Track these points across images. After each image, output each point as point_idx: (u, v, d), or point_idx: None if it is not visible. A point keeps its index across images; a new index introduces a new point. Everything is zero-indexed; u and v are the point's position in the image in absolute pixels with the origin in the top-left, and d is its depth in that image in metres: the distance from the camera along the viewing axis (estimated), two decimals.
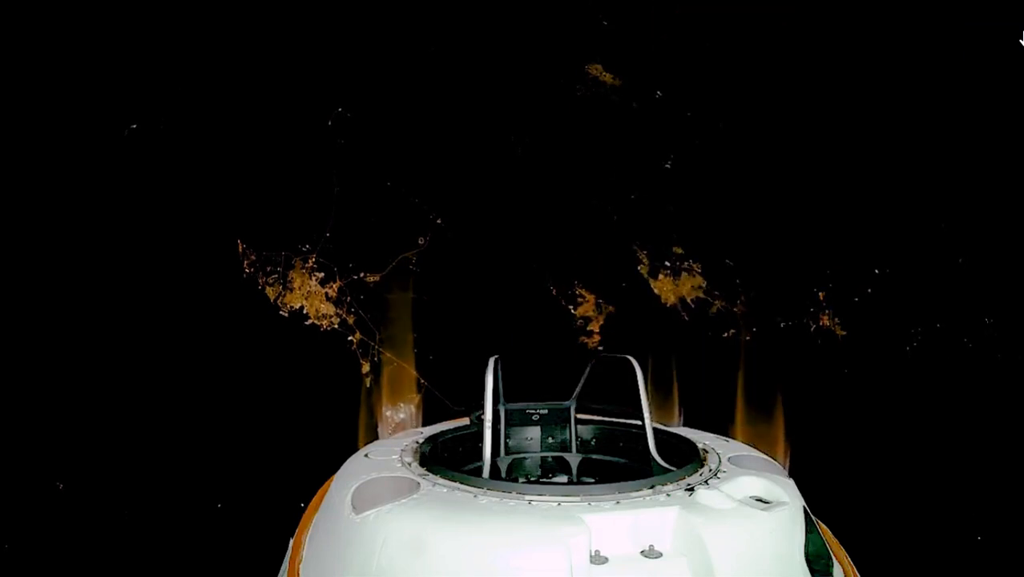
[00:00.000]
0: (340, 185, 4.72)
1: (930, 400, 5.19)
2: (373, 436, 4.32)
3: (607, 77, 5.16)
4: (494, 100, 4.94)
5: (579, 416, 3.30)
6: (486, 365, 2.75)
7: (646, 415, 2.86)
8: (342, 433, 4.32)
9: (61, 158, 4.42)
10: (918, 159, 5.35)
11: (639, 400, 2.88)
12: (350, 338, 4.76)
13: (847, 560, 2.51)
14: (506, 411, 3.13)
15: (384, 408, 4.66)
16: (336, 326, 4.73)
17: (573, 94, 5.16)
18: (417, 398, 4.75)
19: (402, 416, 4.68)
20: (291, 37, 4.74)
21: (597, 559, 1.94)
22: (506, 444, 3.16)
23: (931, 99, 5.34)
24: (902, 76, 5.35)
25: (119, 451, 4.45)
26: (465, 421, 3.14)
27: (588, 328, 5.09)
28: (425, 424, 4.44)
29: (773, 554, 2.12)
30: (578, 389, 3.29)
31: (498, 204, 4.99)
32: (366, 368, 4.77)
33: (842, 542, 2.62)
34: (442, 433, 3.01)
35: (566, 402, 3.28)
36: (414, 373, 4.75)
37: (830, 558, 2.32)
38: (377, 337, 4.76)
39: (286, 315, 4.67)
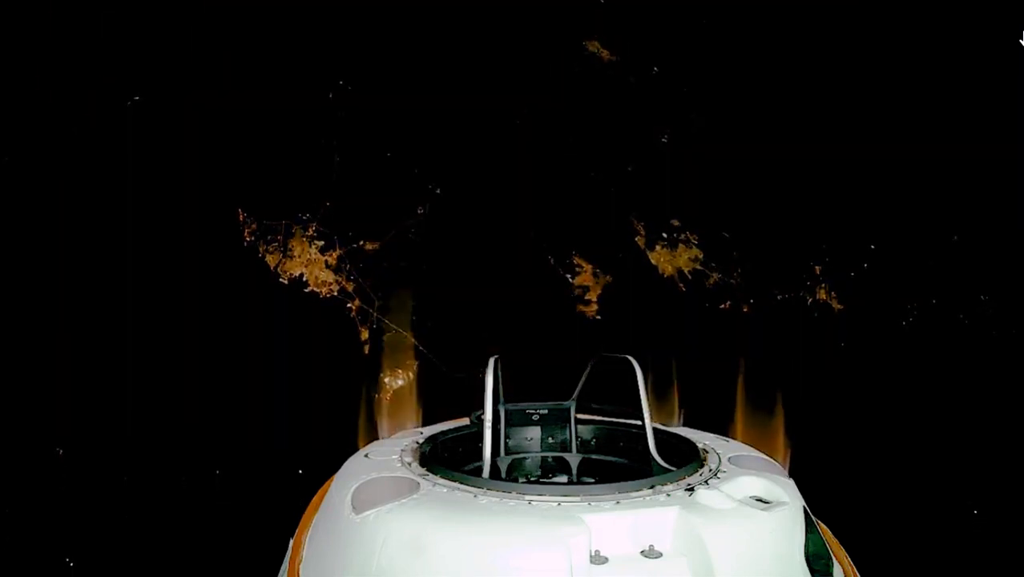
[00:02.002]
0: (340, 155, 4.77)
1: (926, 376, 5.25)
2: (373, 408, 4.35)
3: (604, 53, 5.21)
4: (493, 73, 5.01)
5: (579, 416, 3.30)
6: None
7: (646, 415, 2.86)
8: (343, 411, 4.34)
9: (62, 128, 4.45)
10: (913, 135, 5.40)
11: (639, 400, 2.88)
12: (349, 305, 4.80)
13: (847, 560, 2.51)
14: (506, 411, 3.13)
15: (383, 375, 4.71)
16: (335, 293, 4.77)
17: (570, 68, 5.21)
18: (415, 365, 4.79)
19: (400, 382, 4.73)
20: (292, 7, 4.78)
21: (597, 559, 1.94)
22: (506, 444, 3.16)
23: (927, 76, 5.40)
24: (899, 52, 5.40)
25: (119, 446, 4.46)
26: (465, 421, 3.14)
27: (586, 297, 5.14)
28: (422, 391, 4.48)
29: (773, 554, 2.12)
30: (578, 389, 3.29)
31: (496, 175, 5.06)
32: (365, 335, 4.81)
33: (842, 542, 2.62)
34: (442, 433, 3.01)
35: (566, 402, 3.28)
36: (412, 340, 4.79)
37: (830, 558, 2.32)
38: (376, 304, 4.80)
39: (285, 282, 4.72)
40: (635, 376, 2.91)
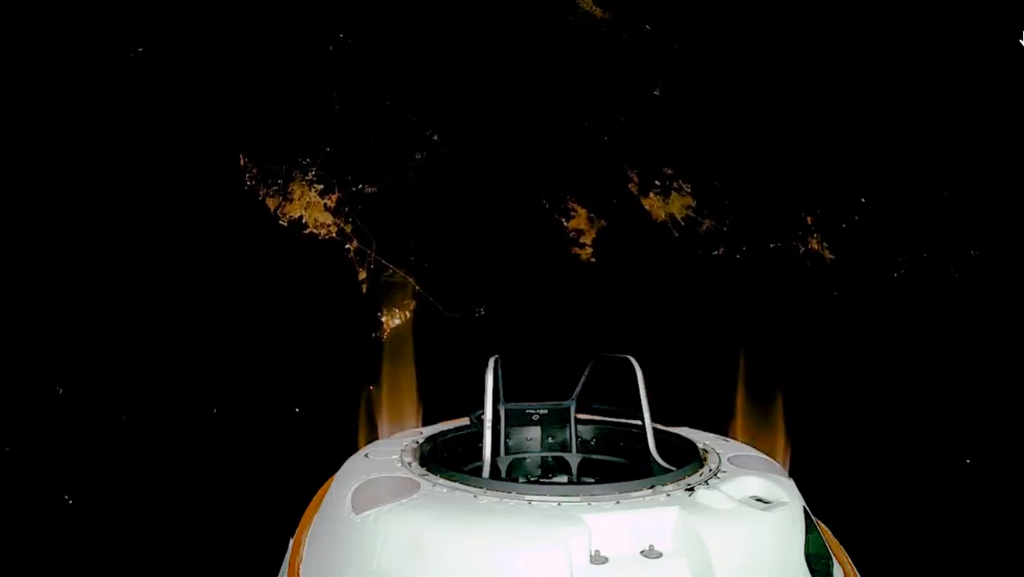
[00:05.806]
0: (340, 104, 4.83)
1: (918, 328, 5.33)
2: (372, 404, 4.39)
3: (597, 11, 5.27)
4: (489, 25, 5.11)
5: (579, 416, 3.29)
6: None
7: (646, 415, 2.86)
8: (341, 363, 4.36)
9: (67, 78, 4.47)
10: (904, 93, 5.44)
11: (639, 400, 2.88)
12: (347, 246, 4.85)
13: (847, 560, 2.51)
14: (506, 411, 3.12)
15: (380, 314, 4.77)
16: (334, 235, 4.83)
17: (565, 24, 5.29)
18: (412, 304, 4.84)
19: (397, 321, 4.77)
20: None
21: (597, 559, 1.94)
22: (506, 444, 3.16)
23: (921, 31, 5.44)
24: (894, 8, 5.44)
25: (117, 387, 4.50)
26: (465, 420, 3.14)
27: (580, 240, 5.19)
28: (417, 333, 4.55)
29: (773, 554, 2.12)
30: (578, 389, 3.29)
31: (492, 122, 5.16)
32: (363, 275, 4.86)
33: (842, 542, 2.62)
34: (442, 433, 3.01)
35: (566, 402, 3.27)
36: (410, 280, 4.83)
37: (830, 558, 2.32)
38: (374, 245, 4.86)
39: (285, 224, 4.79)
40: (635, 376, 2.91)
